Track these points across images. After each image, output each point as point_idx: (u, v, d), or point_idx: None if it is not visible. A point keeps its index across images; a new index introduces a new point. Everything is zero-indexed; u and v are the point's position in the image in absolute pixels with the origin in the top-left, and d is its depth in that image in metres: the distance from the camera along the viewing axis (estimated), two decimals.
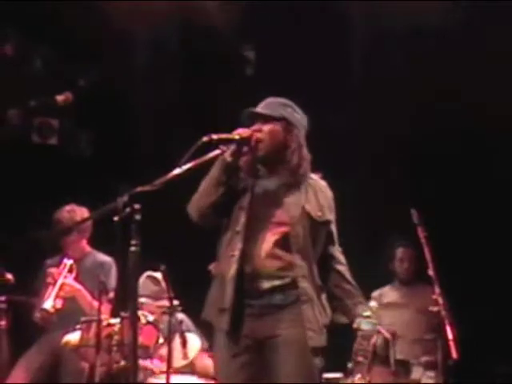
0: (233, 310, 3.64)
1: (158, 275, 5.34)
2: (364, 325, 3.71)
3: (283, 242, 3.68)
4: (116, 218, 3.29)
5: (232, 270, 3.66)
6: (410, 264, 6.07)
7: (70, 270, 5.33)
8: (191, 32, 6.74)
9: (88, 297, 5.27)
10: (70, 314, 5.27)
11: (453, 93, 6.28)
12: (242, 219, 3.70)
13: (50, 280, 5.22)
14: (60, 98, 6.73)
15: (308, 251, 3.70)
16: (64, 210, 5.49)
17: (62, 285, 5.22)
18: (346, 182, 6.07)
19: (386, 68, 6.67)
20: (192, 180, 3.70)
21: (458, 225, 6.42)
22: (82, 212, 5.48)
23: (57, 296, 5.18)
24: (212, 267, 3.90)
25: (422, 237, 4.91)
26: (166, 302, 5.18)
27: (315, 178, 3.88)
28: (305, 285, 3.66)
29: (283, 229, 3.70)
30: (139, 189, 3.36)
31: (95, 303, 5.12)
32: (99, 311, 4.73)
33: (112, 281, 5.39)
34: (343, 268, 3.86)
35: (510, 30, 6.07)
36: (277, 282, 3.65)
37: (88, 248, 5.59)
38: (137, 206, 3.31)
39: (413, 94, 6.42)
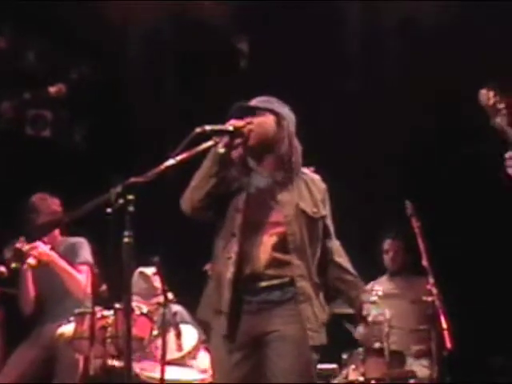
0: (230, 313, 3.64)
1: (149, 271, 5.31)
2: (373, 310, 3.70)
3: (280, 243, 3.68)
4: (109, 210, 3.28)
5: (229, 273, 3.65)
6: (396, 254, 6.08)
7: (45, 243, 5.31)
8: (185, 25, 6.73)
9: (62, 262, 5.24)
10: (60, 305, 5.29)
11: (451, 89, 6.29)
12: (238, 221, 3.69)
13: (19, 245, 5.18)
14: (53, 89, 6.73)
15: (305, 249, 3.70)
16: (36, 197, 5.47)
17: (35, 246, 5.18)
18: (341, 178, 6.09)
19: (383, 62, 6.67)
20: (188, 171, 3.70)
21: (451, 216, 6.43)
22: (52, 200, 5.48)
23: (29, 253, 5.15)
24: (208, 268, 3.89)
25: (416, 227, 4.92)
26: (155, 300, 5.19)
27: (307, 172, 3.89)
28: (303, 284, 3.66)
29: (279, 229, 3.69)
30: (132, 180, 3.35)
31: (70, 269, 5.20)
32: (93, 301, 4.74)
33: (85, 254, 5.40)
34: (342, 259, 3.85)
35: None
36: (275, 282, 3.66)
37: (59, 237, 5.56)
38: (130, 197, 3.30)
39: (411, 88, 6.42)
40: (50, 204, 5.44)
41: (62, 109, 6.97)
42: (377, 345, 3.82)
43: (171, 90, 7.07)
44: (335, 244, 3.87)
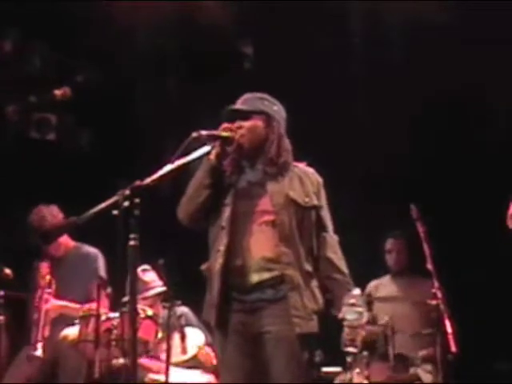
0: (219, 304, 3.66)
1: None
2: (348, 314, 3.64)
3: (268, 232, 3.68)
4: (115, 212, 3.30)
5: (217, 264, 3.68)
6: (398, 254, 6.02)
7: (49, 285, 5.30)
8: (190, 28, 6.74)
9: (74, 307, 5.23)
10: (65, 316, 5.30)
11: (452, 89, 6.28)
12: (226, 214, 3.72)
13: (35, 316, 5.18)
14: (58, 92, 6.73)
15: (294, 238, 3.69)
16: (35, 216, 5.40)
17: (46, 312, 5.19)
18: (345, 179, 6.09)
19: (386, 64, 6.67)
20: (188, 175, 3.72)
21: (457, 219, 6.42)
22: (50, 211, 5.44)
23: (44, 326, 5.15)
24: (204, 267, 3.91)
25: (421, 231, 4.90)
26: (147, 294, 5.21)
27: (300, 165, 3.89)
28: (291, 272, 3.65)
29: (268, 217, 3.70)
30: (138, 183, 3.37)
31: (79, 308, 5.16)
32: (98, 306, 4.73)
33: (100, 270, 5.36)
34: (335, 256, 3.81)
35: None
36: (265, 275, 3.66)
37: (72, 243, 5.53)
38: (136, 201, 3.31)
39: (412, 90, 6.41)
40: (51, 220, 5.38)
41: (66, 112, 6.97)
42: (351, 349, 3.77)
43: (177, 93, 7.08)
44: (331, 238, 3.84)
